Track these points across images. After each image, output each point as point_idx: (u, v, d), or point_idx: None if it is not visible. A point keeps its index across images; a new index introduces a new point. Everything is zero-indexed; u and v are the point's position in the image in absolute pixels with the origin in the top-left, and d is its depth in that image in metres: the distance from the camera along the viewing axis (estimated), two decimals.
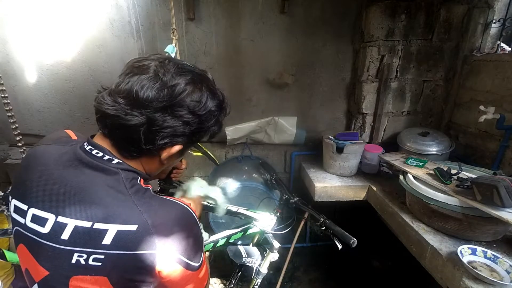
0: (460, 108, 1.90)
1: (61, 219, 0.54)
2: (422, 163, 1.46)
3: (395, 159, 1.60)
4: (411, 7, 1.77)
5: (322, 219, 1.13)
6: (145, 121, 0.55)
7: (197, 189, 0.93)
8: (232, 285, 1.47)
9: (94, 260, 0.52)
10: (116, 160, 0.59)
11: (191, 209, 0.60)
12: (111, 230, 0.52)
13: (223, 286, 2.08)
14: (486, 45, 1.82)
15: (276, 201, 1.75)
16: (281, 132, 2.12)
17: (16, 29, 1.78)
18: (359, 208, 1.95)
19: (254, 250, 1.33)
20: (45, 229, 0.54)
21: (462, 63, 1.86)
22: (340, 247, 1.02)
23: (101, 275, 0.53)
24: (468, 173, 1.34)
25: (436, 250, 1.14)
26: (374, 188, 1.70)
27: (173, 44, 1.28)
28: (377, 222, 1.90)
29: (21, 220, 0.58)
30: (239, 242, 1.35)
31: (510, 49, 1.77)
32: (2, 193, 1.35)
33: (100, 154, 0.58)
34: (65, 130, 0.75)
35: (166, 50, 1.26)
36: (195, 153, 1.42)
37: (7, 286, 1.94)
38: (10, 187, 0.66)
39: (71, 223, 0.53)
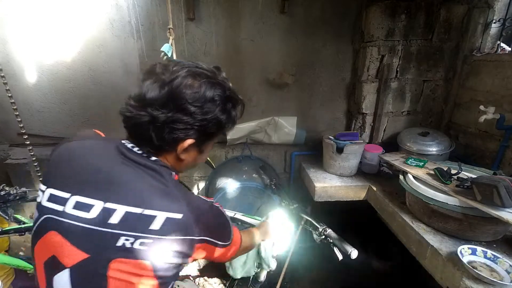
0: (460, 108, 1.90)
1: (109, 205, 0.58)
2: (422, 163, 1.46)
3: (395, 159, 1.60)
4: (411, 7, 1.77)
5: (321, 228, 1.07)
6: (150, 119, 0.60)
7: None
8: (233, 285, 1.46)
9: (140, 244, 0.57)
10: (154, 158, 0.66)
11: (215, 203, 0.72)
12: (160, 217, 0.58)
13: (223, 286, 2.08)
14: (486, 45, 1.82)
15: (276, 201, 1.74)
16: (281, 132, 2.12)
17: (16, 29, 1.78)
18: (359, 208, 1.95)
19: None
20: (91, 215, 0.59)
21: (462, 63, 1.86)
22: (340, 257, 0.97)
23: (143, 259, 0.57)
24: (468, 173, 1.34)
25: (436, 250, 1.14)
26: (374, 188, 1.70)
27: (170, 43, 1.28)
28: (377, 222, 1.90)
29: (59, 207, 0.61)
30: None
31: (510, 49, 1.77)
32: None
33: (140, 151, 0.65)
34: (94, 130, 0.83)
35: (162, 49, 1.25)
36: None
37: (7, 286, 1.94)
38: (42, 178, 0.69)
39: (120, 209, 0.58)
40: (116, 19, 1.82)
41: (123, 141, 0.68)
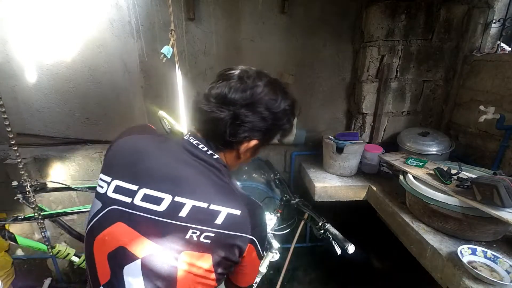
0: (460, 108, 1.90)
1: (178, 199, 0.62)
2: (422, 163, 1.46)
3: (395, 159, 1.60)
4: (411, 7, 1.77)
5: (321, 222, 1.11)
6: (232, 116, 0.65)
7: None
8: None
9: (205, 237, 0.61)
10: (216, 156, 0.70)
11: (264, 209, 0.74)
12: (223, 212, 0.62)
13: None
14: (486, 45, 1.82)
15: (276, 200, 1.75)
16: None
17: (16, 29, 1.78)
18: (359, 208, 1.95)
19: None
20: (161, 207, 0.62)
21: (462, 63, 1.86)
22: (339, 252, 1.01)
23: (207, 252, 0.61)
24: (468, 173, 1.34)
25: (436, 250, 1.14)
26: (374, 188, 1.70)
27: (170, 45, 1.28)
28: (377, 222, 1.90)
29: (127, 199, 0.64)
30: None
31: (510, 49, 1.77)
32: (17, 183, 1.41)
33: (205, 148, 0.70)
34: (148, 125, 0.87)
35: (162, 51, 1.25)
36: None
37: (7, 286, 1.94)
38: (104, 167, 0.71)
39: (189, 203, 0.62)
40: (116, 19, 1.82)
41: (186, 137, 0.72)
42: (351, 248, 0.98)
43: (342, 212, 2.30)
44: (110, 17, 1.81)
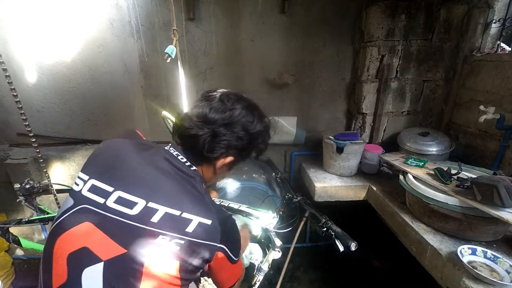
0: (460, 108, 1.90)
1: (151, 204, 0.64)
2: (422, 163, 1.46)
3: (395, 159, 1.60)
4: (411, 7, 1.77)
5: (324, 220, 1.13)
6: (210, 133, 0.71)
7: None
8: None
9: (174, 243, 0.62)
10: (193, 167, 0.75)
11: (234, 220, 0.77)
12: (195, 221, 0.64)
13: None
14: (486, 45, 1.82)
15: (278, 199, 1.75)
16: (281, 132, 2.12)
17: (16, 29, 1.78)
18: (359, 208, 1.95)
19: (256, 247, 1.32)
20: (133, 211, 0.63)
21: (462, 63, 1.86)
22: (341, 249, 1.02)
23: (174, 258, 0.62)
24: (468, 173, 1.34)
25: (436, 250, 1.14)
26: (374, 188, 1.70)
27: (173, 45, 1.28)
28: (377, 222, 1.90)
29: (100, 200, 0.64)
30: None
31: (510, 49, 1.77)
32: (19, 185, 1.38)
33: (184, 160, 0.74)
34: (136, 131, 0.91)
35: (166, 51, 1.25)
36: None
37: (7, 286, 1.94)
38: (84, 166, 0.73)
39: (162, 209, 0.64)
40: (116, 19, 1.82)
41: (167, 148, 0.76)
42: (353, 246, 0.99)
43: (342, 212, 2.30)
44: (110, 17, 1.81)
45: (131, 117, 2.07)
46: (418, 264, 1.29)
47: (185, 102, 1.48)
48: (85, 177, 0.68)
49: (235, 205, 1.23)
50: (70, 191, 0.69)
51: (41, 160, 1.16)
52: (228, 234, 0.71)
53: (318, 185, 1.77)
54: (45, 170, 1.20)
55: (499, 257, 1.05)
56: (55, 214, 1.40)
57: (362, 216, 2.15)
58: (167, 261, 0.61)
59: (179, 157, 0.74)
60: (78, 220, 0.63)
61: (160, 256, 0.61)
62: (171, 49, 1.25)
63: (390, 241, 1.75)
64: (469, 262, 1.04)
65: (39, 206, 1.43)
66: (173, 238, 0.62)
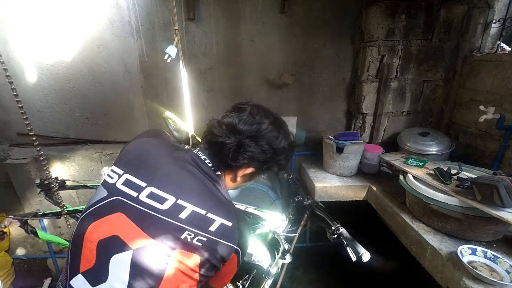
0: (460, 108, 1.90)
1: (180, 202, 0.69)
2: (422, 163, 1.46)
3: (395, 159, 1.60)
4: (411, 7, 1.77)
5: (335, 227, 1.04)
6: (237, 143, 0.75)
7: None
8: (245, 285, 1.44)
9: (197, 240, 0.66)
10: (218, 172, 0.80)
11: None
12: (217, 221, 0.69)
13: (233, 286, 2.08)
14: (486, 45, 1.82)
15: (279, 201, 1.74)
16: None
17: (16, 29, 1.78)
18: (359, 208, 1.95)
19: (264, 251, 1.30)
20: (164, 206, 0.68)
21: (462, 63, 1.86)
22: (354, 259, 0.94)
23: (197, 253, 0.66)
24: (468, 173, 1.34)
25: (436, 250, 1.14)
26: (374, 188, 1.70)
27: (174, 45, 1.27)
28: (377, 222, 1.90)
29: (133, 193, 0.70)
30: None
31: (510, 49, 1.77)
32: (39, 181, 1.47)
33: (210, 164, 0.79)
34: (164, 131, 0.96)
35: (166, 51, 1.25)
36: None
37: (7, 286, 1.94)
38: (118, 161, 0.78)
39: (189, 207, 0.69)
40: (116, 19, 1.82)
41: (195, 151, 0.81)
42: (366, 256, 0.92)
43: (342, 212, 2.30)
44: (110, 17, 1.81)
45: (131, 117, 2.07)
46: (418, 264, 1.29)
47: (187, 102, 1.48)
48: (120, 171, 0.74)
49: (241, 206, 1.21)
50: (103, 182, 0.75)
51: (42, 158, 1.17)
52: (243, 238, 0.75)
53: (318, 185, 1.77)
54: (45, 168, 1.22)
55: (499, 257, 1.05)
56: (72, 208, 1.45)
57: (362, 216, 2.15)
58: (190, 255, 0.66)
59: (206, 161, 0.79)
60: (111, 210, 0.69)
61: (185, 249, 0.65)
62: (172, 49, 1.25)
63: (390, 241, 1.75)
64: (469, 262, 1.03)
65: (58, 200, 1.48)
66: (197, 235, 0.66)
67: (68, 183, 1.55)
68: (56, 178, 1.48)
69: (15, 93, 1.00)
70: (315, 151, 2.17)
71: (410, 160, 1.52)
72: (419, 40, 1.85)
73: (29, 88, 1.91)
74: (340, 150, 1.78)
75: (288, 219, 1.24)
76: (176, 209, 0.68)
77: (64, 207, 1.39)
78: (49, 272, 2.25)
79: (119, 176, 0.73)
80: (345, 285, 2.20)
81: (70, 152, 2.07)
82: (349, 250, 0.97)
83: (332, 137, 1.88)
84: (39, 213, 1.43)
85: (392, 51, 1.86)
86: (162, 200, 0.69)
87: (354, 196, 1.80)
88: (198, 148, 0.82)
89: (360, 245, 0.97)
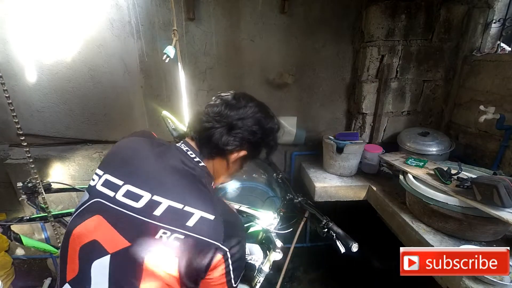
0: (460, 108, 1.90)
1: (156, 197, 0.64)
2: (422, 163, 1.46)
3: (395, 159, 1.60)
4: (411, 7, 1.77)
5: (325, 221, 1.11)
6: (227, 127, 0.74)
7: None
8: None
9: (174, 239, 0.60)
10: (202, 164, 0.76)
11: (241, 219, 0.74)
12: (196, 215, 0.62)
13: None
14: (486, 45, 1.82)
15: (278, 199, 1.74)
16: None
17: (16, 29, 1.78)
18: (359, 208, 1.95)
19: (257, 248, 1.32)
20: (139, 204, 0.64)
21: (462, 63, 1.86)
22: (342, 250, 1.01)
23: (174, 255, 0.59)
24: (468, 173, 1.34)
25: None
26: (374, 188, 1.70)
27: (173, 45, 1.28)
28: (377, 222, 1.90)
29: (111, 193, 0.67)
30: None
31: (510, 49, 1.77)
32: (21, 184, 1.40)
33: (193, 155, 0.75)
34: (152, 132, 0.93)
35: (165, 51, 1.25)
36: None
37: (7, 286, 1.94)
38: (101, 163, 0.77)
39: (165, 202, 0.63)
40: (116, 19, 1.82)
41: (178, 145, 0.78)
42: (355, 247, 0.98)
43: (342, 212, 2.30)
44: (110, 17, 1.81)
45: (131, 117, 2.07)
46: None
47: (185, 102, 1.48)
48: (101, 173, 0.72)
49: (235, 205, 1.23)
50: (88, 186, 0.73)
51: (31, 160, 1.13)
52: (234, 238, 0.64)
53: (318, 185, 1.77)
54: (32, 166, 1.15)
55: None
56: (57, 212, 1.42)
57: (362, 216, 2.15)
58: (167, 258, 0.59)
59: (188, 153, 0.75)
60: (90, 213, 0.66)
61: (160, 251, 0.59)
62: (170, 49, 1.25)
63: (390, 241, 1.75)
64: None
65: (41, 204, 1.43)
66: (173, 233, 0.60)
67: (56, 185, 1.48)
68: (41, 180, 1.39)
69: (6, 95, 0.98)
70: (315, 151, 2.17)
71: (410, 160, 1.52)
72: (419, 40, 1.85)
73: (29, 88, 1.91)
74: (340, 150, 1.78)
75: (279, 217, 1.27)
76: (151, 206, 0.63)
77: (50, 212, 1.33)
78: (49, 272, 2.25)
79: (99, 177, 0.71)
80: (345, 285, 2.20)
81: (70, 152, 2.07)
82: (338, 242, 1.03)
83: (332, 137, 1.88)
84: (24, 218, 1.37)
85: (392, 51, 1.86)
86: (137, 198, 0.64)
87: (354, 196, 1.80)
88: (182, 141, 0.79)
89: (349, 237, 1.02)
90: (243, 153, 0.78)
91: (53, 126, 2.04)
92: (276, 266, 1.27)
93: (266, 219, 1.24)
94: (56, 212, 1.40)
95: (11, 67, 1.84)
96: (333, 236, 1.06)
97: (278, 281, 1.78)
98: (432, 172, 1.37)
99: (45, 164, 2.08)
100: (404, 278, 2.15)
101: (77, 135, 2.08)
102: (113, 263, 0.59)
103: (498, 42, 1.77)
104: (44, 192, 1.26)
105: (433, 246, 1.17)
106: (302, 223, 1.25)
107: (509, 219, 0.98)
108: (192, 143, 0.78)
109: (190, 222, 0.61)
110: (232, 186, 1.86)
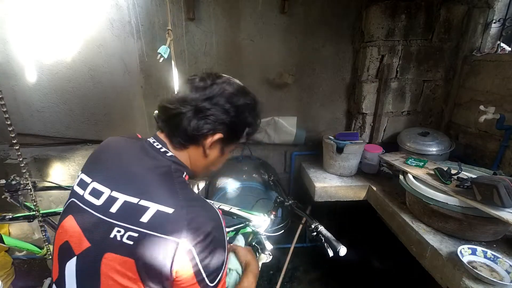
0: (460, 108, 1.90)
1: (114, 193, 0.60)
2: (422, 163, 1.46)
3: (395, 159, 1.60)
4: (411, 7, 1.77)
5: (314, 225, 1.11)
6: (194, 110, 0.65)
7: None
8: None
9: (128, 238, 0.55)
10: (170, 153, 0.69)
11: (222, 218, 0.63)
12: (152, 209, 0.56)
13: None
14: (486, 45, 1.82)
15: (271, 201, 1.74)
16: (281, 132, 2.12)
17: (16, 29, 1.78)
18: (359, 208, 1.95)
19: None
20: (99, 202, 0.61)
21: (462, 63, 1.86)
22: (331, 254, 0.99)
23: (129, 256, 0.54)
24: (468, 173, 1.34)
25: (436, 250, 1.14)
26: (374, 188, 1.70)
27: (167, 45, 1.27)
28: (377, 222, 1.90)
29: (81, 192, 0.65)
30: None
31: (510, 49, 1.77)
32: (4, 181, 1.39)
33: (159, 146, 0.69)
34: (136, 134, 0.88)
35: (159, 51, 1.25)
36: None
37: (7, 286, 1.94)
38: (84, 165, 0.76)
39: (121, 198, 0.59)
40: (116, 19, 1.82)
41: (148, 139, 0.72)
42: (342, 251, 0.96)
43: (342, 212, 2.30)
44: (110, 17, 1.81)
45: (131, 117, 2.07)
46: (418, 264, 1.29)
47: None
48: (79, 173, 0.71)
49: (226, 207, 1.22)
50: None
51: (21, 159, 1.11)
52: (201, 233, 0.56)
53: (318, 185, 1.77)
54: (23, 165, 1.14)
55: (499, 257, 1.05)
56: (42, 211, 1.41)
57: (362, 216, 2.15)
58: (123, 260, 0.54)
59: (155, 144, 0.70)
60: (66, 214, 0.65)
61: (116, 252, 0.55)
62: (164, 49, 1.25)
63: (390, 241, 1.75)
64: (469, 262, 1.03)
65: (25, 203, 1.42)
66: (127, 231, 0.55)
67: (42, 183, 1.46)
68: (26, 178, 1.36)
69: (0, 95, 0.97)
70: (315, 151, 2.17)
71: (410, 160, 1.52)
72: (419, 40, 1.85)
73: (29, 88, 1.91)
74: (340, 150, 1.78)
75: (270, 219, 1.26)
76: (109, 202, 0.59)
77: (38, 211, 1.33)
78: (49, 272, 2.24)
79: (78, 177, 0.69)
80: (345, 285, 2.20)
81: (70, 152, 2.07)
82: (326, 246, 1.02)
83: (332, 137, 1.88)
84: (7, 217, 1.36)
85: (392, 51, 1.86)
86: (99, 195, 0.61)
87: (354, 196, 1.80)
88: (152, 136, 0.74)
89: (337, 241, 1.01)
90: (218, 136, 0.68)
91: (53, 126, 2.04)
92: (276, 266, 1.26)
93: (257, 221, 1.24)
94: (42, 211, 1.37)
95: (11, 67, 1.84)
96: (322, 239, 1.05)
97: (278, 281, 1.78)
98: (432, 172, 1.37)
99: (45, 164, 2.08)
100: (404, 278, 2.16)
101: (77, 135, 2.08)
102: (78, 265, 0.58)
103: (498, 42, 1.77)
104: (32, 190, 1.25)
105: (433, 246, 1.17)
106: (303, 222, 1.25)
107: (509, 219, 0.98)
108: (162, 135, 0.71)
109: (145, 218, 0.55)
110: (232, 186, 1.86)
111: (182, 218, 0.56)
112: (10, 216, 1.37)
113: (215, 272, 0.58)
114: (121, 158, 0.68)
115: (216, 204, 1.20)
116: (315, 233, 1.09)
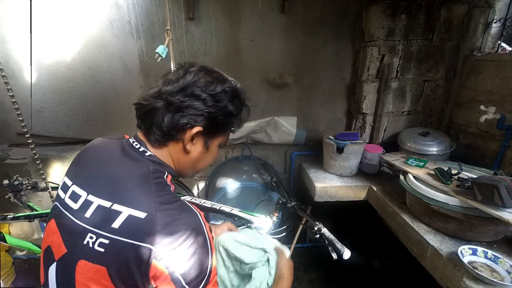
0: (461, 108, 1.89)
1: (90, 197, 0.58)
2: (423, 163, 1.46)
3: (396, 159, 1.59)
4: (412, 7, 1.77)
5: (317, 227, 1.09)
6: (166, 103, 0.62)
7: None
8: None
9: (99, 244, 0.52)
10: (149, 153, 0.65)
11: (203, 221, 0.59)
12: (124, 213, 0.53)
13: None
14: (487, 45, 1.82)
15: (274, 202, 1.74)
16: (281, 132, 2.12)
17: (15, 28, 1.77)
18: (359, 208, 1.95)
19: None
20: (76, 205, 0.58)
21: (462, 63, 1.86)
22: (335, 257, 0.98)
23: (101, 264, 0.52)
24: (468, 173, 1.34)
25: (437, 250, 1.14)
26: (374, 188, 1.70)
27: (165, 45, 1.27)
28: (377, 222, 1.90)
29: (62, 195, 0.63)
30: None
31: (510, 49, 1.77)
32: (7, 181, 1.41)
33: (138, 145, 0.66)
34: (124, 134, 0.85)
35: (157, 50, 1.25)
36: None
37: (8, 286, 1.94)
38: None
39: (96, 202, 0.56)
40: (116, 19, 1.81)
41: (129, 139, 0.69)
42: (346, 254, 0.95)
43: (342, 212, 2.30)
44: (110, 17, 1.80)
45: (130, 117, 2.05)
46: (419, 264, 1.29)
47: None
48: (64, 176, 0.69)
49: (226, 208, 1.21)
50: None
51: (38, 162, 1.13)
52: (174, 238, 0.52)
53: (318, 185, 1.77)
54: (40, 166, 1.15)
55: (499, 258, 1.05)
56: (42, 212, 1.42)
57: (362, 216, 2.14)
58: (96, 268, 0.52)
59: (134, 144, 0.66)
60: (50, 218, 0.64)
61: (89, 260, 0.52)
62: (162, 49, 1.25)
63: (390, 241, 1.75)
64: (470, 263, 1.03)
65: (28, 203, 1.44)
66: (99, 237, 0.52)
67: (43, 184, 1.45)
68: (27, 178, 1.41)
69: (10, 94, 0.99)
70: (315, 151, 2.17)
71: (410, 160, 1.52)
72: (419, 40, 1.85)
73: (29, 87, 1.90)
74: (340, 150, 1.77)
75: (272, 221, 1.25)
76: (84, 206, 0.57)
77: (37, 210, 1.34)
78: None
79: (62, 180, 0.68)
80: (345, 285, 2.20)
81: (69, 152, 2.06)
82: (330, 249, 1.00)
83: (332, 137, 1.88)
84: (8, 216, 1.37)
85: (392, 51, 1.86)
86: (76, 198, 0.59)
87: (354, 196, 1.80)
88: (133, 137, 0.71)
89: (340, 244, 0.99)
90: (196, 129, 0.63)
91: (52, 126, 2.04)
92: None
93: (259, 223, 1.23)
94: (41, 212, 1.40)
95: (11, 67, 1.84)
96: (325, 242, 1.03)
97: None
98: (432, 172, 1.36)
99: (45, 164, 2.07)
100: (404, 278, 2.15)
101: (76, 135, 2.08)
102: (58, 270, 0.57)
103: (499, 42, 1.77)
104: (30, 191, 1.27)
105: (433, 246, 1.17)
106: (303, 222, 1.24)
107: (509, 219, 0.97)
108: (140, 134, 0.68)
109: (116, 223, 0.52)
110: (232, 186, 1.86)
111: (156, 223, 0.52)
112: (12, 216, 1.39)
113: (196, 279, 0.54)
114: (100, 160, 0.65)
115: (216, 205, 1.19)
116: (318, 235, 1.07)
